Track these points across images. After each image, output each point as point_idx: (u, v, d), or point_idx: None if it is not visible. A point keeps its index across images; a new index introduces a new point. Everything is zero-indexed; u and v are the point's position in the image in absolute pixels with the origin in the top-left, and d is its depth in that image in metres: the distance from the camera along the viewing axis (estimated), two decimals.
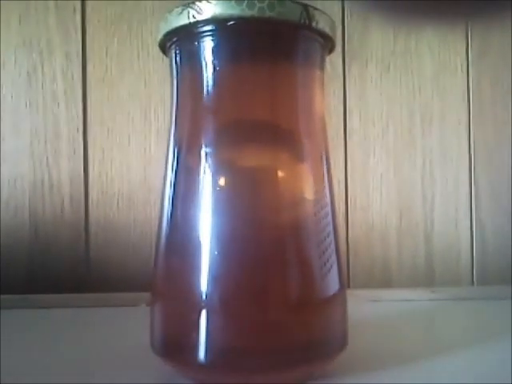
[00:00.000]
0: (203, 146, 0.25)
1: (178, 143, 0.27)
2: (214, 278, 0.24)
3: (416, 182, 0.52)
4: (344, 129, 0.51)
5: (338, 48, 0.50)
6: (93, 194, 0.50)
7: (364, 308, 0.43)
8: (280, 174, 0.25)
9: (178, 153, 0.27)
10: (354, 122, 0.52)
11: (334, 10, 0.51)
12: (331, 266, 0.26)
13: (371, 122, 0.52)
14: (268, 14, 0.24)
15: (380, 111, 0.52)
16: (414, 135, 0.52)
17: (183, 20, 0.25)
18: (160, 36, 0.27)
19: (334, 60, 0.51)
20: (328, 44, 0.27)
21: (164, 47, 0.28)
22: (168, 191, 0.27)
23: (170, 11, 0.26)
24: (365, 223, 0.51)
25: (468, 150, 0.52)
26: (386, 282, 0.51)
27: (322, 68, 0.28)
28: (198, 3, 0.24)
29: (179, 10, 0.25)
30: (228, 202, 0.25)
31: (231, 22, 0.24)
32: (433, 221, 0.52)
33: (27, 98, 0.49)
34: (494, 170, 0.52)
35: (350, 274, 0.51)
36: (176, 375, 0.26)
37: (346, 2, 0.52)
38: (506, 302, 0.43)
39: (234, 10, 0.24)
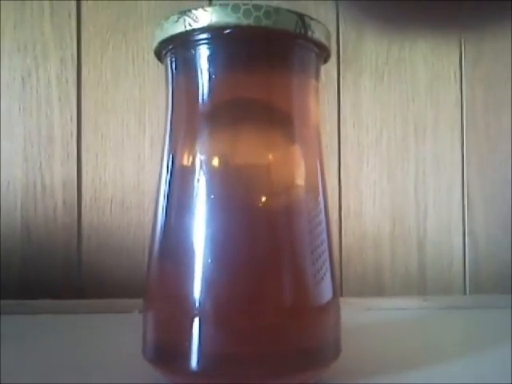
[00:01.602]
0: (198, 152, 0.25)
1: (172, 149, 0.27)
2: (207, 285, 0.24)
3: (409, 189, 0.52)
4: (338, 136, 0.52)
5: (333, 56, 0.50)
6: (86, 199, 0.49)
7: (357, 316, 0.43)
8: (275, 184, 0.25)
9: (172, 159, 0.27)
10: (347, 129, 0.52)
11: (329, 19, 0.51)
12: (324, 274, 0.26)
13: (365, 129, 0.52)
14: (264, 22, 0.24)
15: (374, 119, 0.52)
16: (407, 143, 0.52)
17: (179, 28, 0.25)
18: (156, 43, 0.27)
19: (328, 68, 0.51)
20: (323, 53, 0.28)
21: (159, 54, 0.28)
22: (162, 196, 0.27)
23: (166, 19, 0.26)
24: (358, 230, 0.51)
25: (461, 158, 0.53)
26: (379, 290, 0.51)
27: (317, 77, 0.28)
28: (194, 11, 0.24)
29: (175, 17, 0.25)
30: (221, 209, 0.25)
31: (227, 31, 0.24)
32: (425, 229, 0.52)
33: (21, 102, 0.49)
34: (486, 178, 0.53)
35: (343, 281, 0.51)
36: (168, 383, 0.26)
37: (340, 11, 0.52)
38: (498, 311, 0.43)
39: (230, 19, 0.24)
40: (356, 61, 0.52)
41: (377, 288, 0.51)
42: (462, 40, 0.53)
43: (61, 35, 0.50)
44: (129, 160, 0.50)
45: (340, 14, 0.52)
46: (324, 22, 0.27)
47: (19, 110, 0.49)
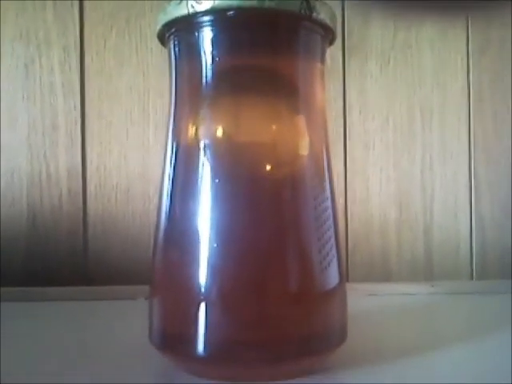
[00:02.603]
0: (202, 137, 0.25)
1: (176, 135, 0.27)
2: (213, 270, 0.24)
3: (415, 175, 0.52)
4: (344, 123, 0.51)
5: (338, 42, 0.50)
6: (91, 187, 0.49)
7: (363, 302, 0.43)
8: (281, 170, 0.25)
9: (176, 145, 0.26)
10: (353, 116, 0.52)
11: (335, 3, 0.51)
12: (331, 260, 0.26)
13: (371, 116, 0.52)
14: (268, 4, 0.24)
15: (380, 105, 0.52)
16: (413, 129, 0.52)
17: (182, 10, 0.25)
18: (159, 27, 0.27)
19: (333, 54, 0.51)
20: (328, 35, 0.27)
21: (163, 38, 0.27)
22: (166, 183, 0.27)
23: (169, 2, 0.25)
24: (364, 216, 0.51)
25: (467, 144, 0.52)
26: (385, 275, 0.51)
27: (323, 60, 0.27)
28: None
29: (178, 1, 0.25)
30: (226, 193, 0.25)
31: (231, 13, 0.24)
32: (432, 214, 0.52)
33: (24, 90, 0.49)
34: (493, 163, 0.52)
35: (349, 267, 0.51)
36: (175, 368, 0.26)
37: None
38: (505, 296, 0.43)
39: (233, 1, 0.24)
40: (362, 47, 0.52)
41: (383, 273, 0.51)
42: (469, 25, 0.52)
43: (63, 22, 0.49)
44: (133, 147, 0.50)
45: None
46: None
47: (22, 98, 0.49)
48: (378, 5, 0.52)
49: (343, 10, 0.51)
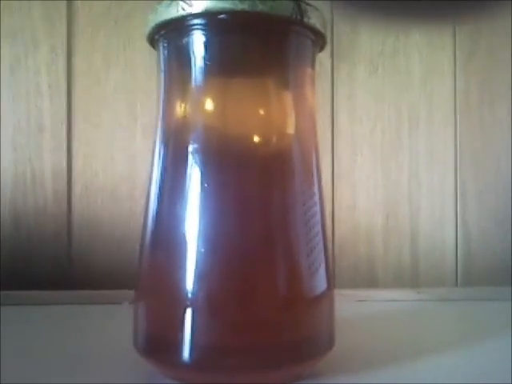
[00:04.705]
0: (190, 141, 0.25)
1: (164, 138, 0.26)
2: (199, 275, 0.24)
3: (402, 182, 0.52)
4: (332, 128, 0.51)
5: (327, 48, 0.50)
6: (76, 189, 0.49)
7: (350, 308, 0.43)
8: (270, 174, 0.25)
9: (164, 147, 0.26)
10: (341, 121, 0.52)
11: (324, 10, 0.51)
12: (319, 265, 0.26)
13: (359, 122, 0.52)
14: (260, 8, 0.23)
15: (368, 111, 0.52)
16: (401, 136, 0.52)
17: (173, 13, 0.24)
18: (148, 29, 0.26)
19: (322, 60, 0.51)
20: (319, 40, 0.27)
21: (152, 40, 0.27)
22: (154, 186, 0.26)
23: (159, 3, 0.25)
24: (351, 223, 0.51)
25: (454, 151, 0.52)
26: (372, 282, 0.51)
27: (313, 65, 0.27)
28: None
29: (169, 2, 0.25)
30: (214, 200, 0.25)
31: (222, 16, 0.24)
32: (418, 221, 0.52)
33: (10, 90, 0.49)
34: (479, 171, 0.53)
35: (336, 273, 0.51)
36: (159, 375, 0.26)
37: (335, 2, 0.51)
38: (490, 303, 0.43)
39: (225, 4, 0.23)
40: (350, 52, 0.52)
41: (369, 280, 0.51)
42: (457, 32, 0.53)
43: (51, 22, 0.49)
44: (120, 149, 0.49)
45: (334, 4, 0.51)
46: None
47: (8, 98, 0.49)
48: (367, 11, 0.52)
49: (332, 15, 0.51)
